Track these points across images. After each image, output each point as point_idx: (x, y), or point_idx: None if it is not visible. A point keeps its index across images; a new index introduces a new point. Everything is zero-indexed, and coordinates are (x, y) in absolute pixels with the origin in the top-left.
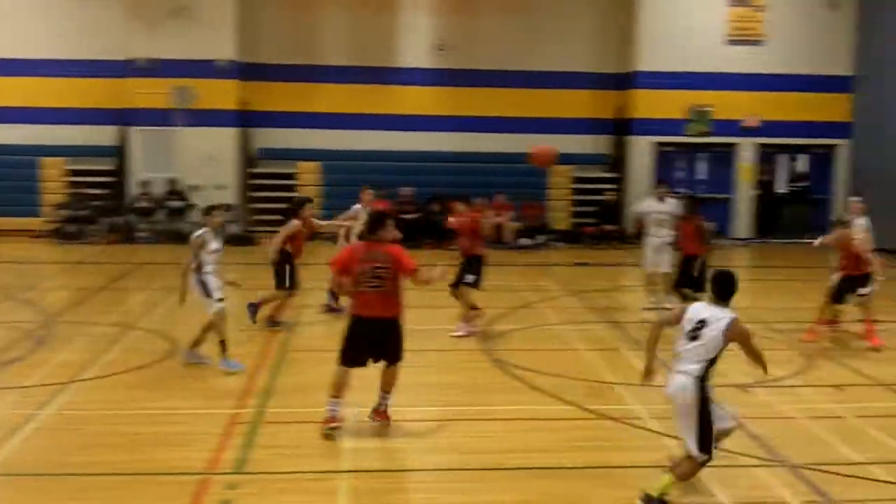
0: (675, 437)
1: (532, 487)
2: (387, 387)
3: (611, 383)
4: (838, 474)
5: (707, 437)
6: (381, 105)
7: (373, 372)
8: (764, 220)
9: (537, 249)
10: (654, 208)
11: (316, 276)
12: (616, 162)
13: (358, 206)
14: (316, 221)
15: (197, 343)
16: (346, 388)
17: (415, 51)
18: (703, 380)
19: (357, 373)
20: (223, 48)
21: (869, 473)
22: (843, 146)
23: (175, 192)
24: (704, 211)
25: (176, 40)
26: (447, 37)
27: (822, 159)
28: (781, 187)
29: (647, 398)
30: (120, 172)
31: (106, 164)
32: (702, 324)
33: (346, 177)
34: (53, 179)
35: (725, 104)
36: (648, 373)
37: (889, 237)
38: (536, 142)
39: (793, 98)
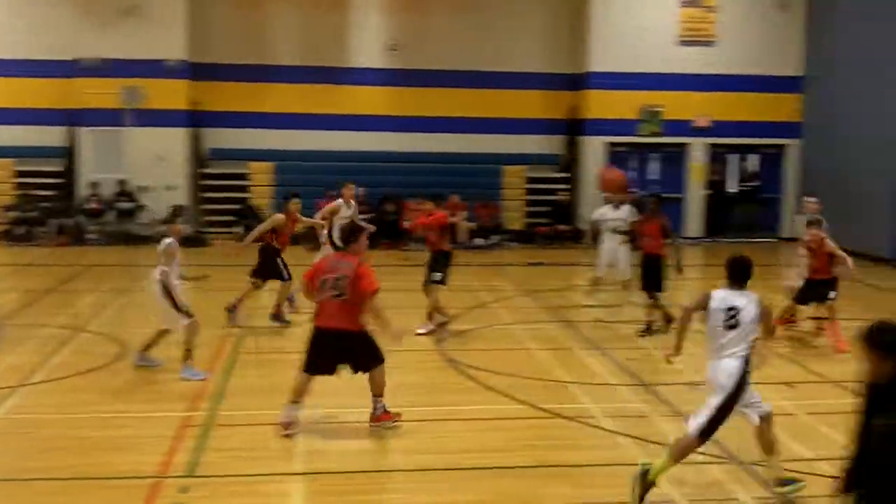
0: (628, 436)
1: (487, 487)
2: (375, 390)
3: (564, 382)
4: (790, 471)
5: (714, 426)
6: (333, 105)
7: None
8: (715, 220)
9: (491, 249)
10: (610, 216)
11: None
12: (569, 162)
13: (339, 200)
14: (301, 217)
15: (148, 346)
16: (306, 394)
17: (367, 50)
18: (747, 362)
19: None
20: (173, 48)
21: (819, 470)
22: (793, 146)
23: (125, 193)
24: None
25: (125, 40)
26: (399, 36)
27: (773, 159)
28: (732, 187)
29: (600, 397)
30: (69, 173)
31: (55, 165)
32: (735, 310)
33: (298, 177)
34: (1, 181)
35: (677, 104)
36: (677, 351)
37: (840, 237)
38: (489, 142)
39: (743, 98)
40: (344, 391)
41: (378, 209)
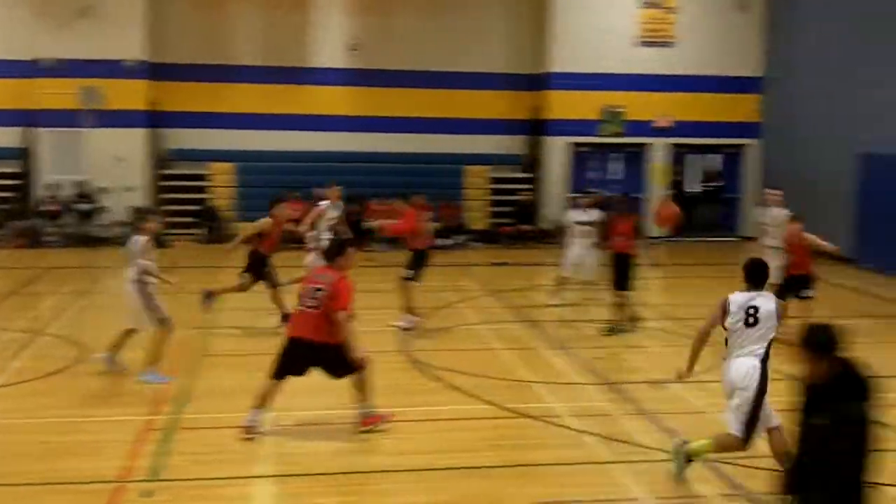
0: (594, 434)
1: (454, 488)
2: (356, 396)
3: (529, 382)
4: (753, 468)
5: (753, 423)
6: (294, 105)
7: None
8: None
9: (455, 250)
10: (578, 218)
11: (230, 279)
12: (531, 162)
13: (326, 202)
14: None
15: (115, 348)
16: (270, 399)
17: (328, 50)
18: (766, 361)
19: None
20: (131, 48)
21: (775, 466)
22: (753, 146)
23: (83, 194)
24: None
25: (83, 40)
26: (361, 36)
27: (734, 159)
28: (694, 187)
29: (565, 396)
30: (26, 175)
31: (12, 167)
32: (755, 310)
33: (259, 178)
34: None
35: (638, 105)
36: (690, 371)
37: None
38: (451, 142)
39: (704, 99)
40: (311, 393)
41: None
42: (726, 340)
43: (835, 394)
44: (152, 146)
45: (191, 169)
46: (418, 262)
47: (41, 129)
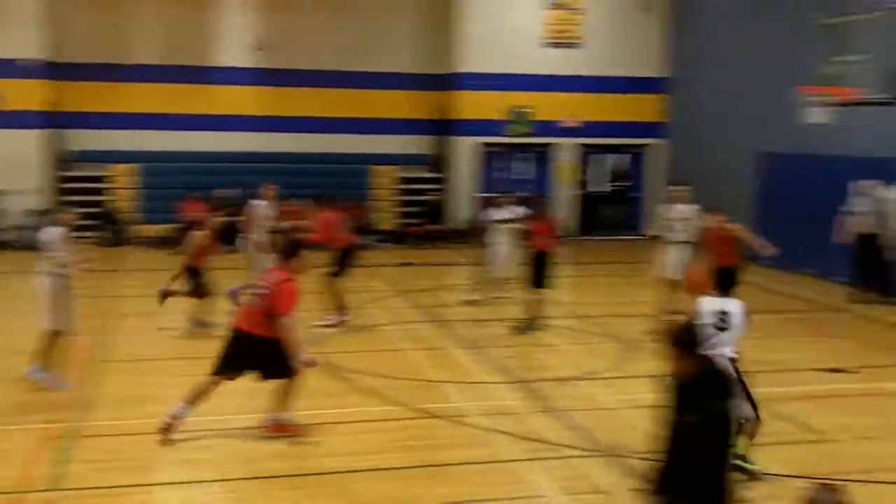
0: (503, 433)
1: (363, 490)
2: (276, 402)
3: (438, 382)
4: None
5: (754, 402)
6: (200, 105)
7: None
8: (585, 218)
9: (363, 250)
10: (498, 216)
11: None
12: (439, 162)
13: (262, 202)
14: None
15: (43, 356)
16: (203, 398)
17: (233, 49)
18: (736, 360)
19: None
20: (29, 47)
21: None
22: (658, 146)
23: None
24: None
25: None
26: (266, 36)
27: (640, 159)
28: (601, 186)
29: (474, 395)
30: None
31: None
32: (725, 314)
33: (164, 179)
34: None
35: (545, 105)
36: None
37: None
38: (359, 142)
39: (610, 99)
40: (216, 397)
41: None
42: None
43: (702, 392)
44: (53, 147)
45: (92, 171)
46: (340, 260)
47: None
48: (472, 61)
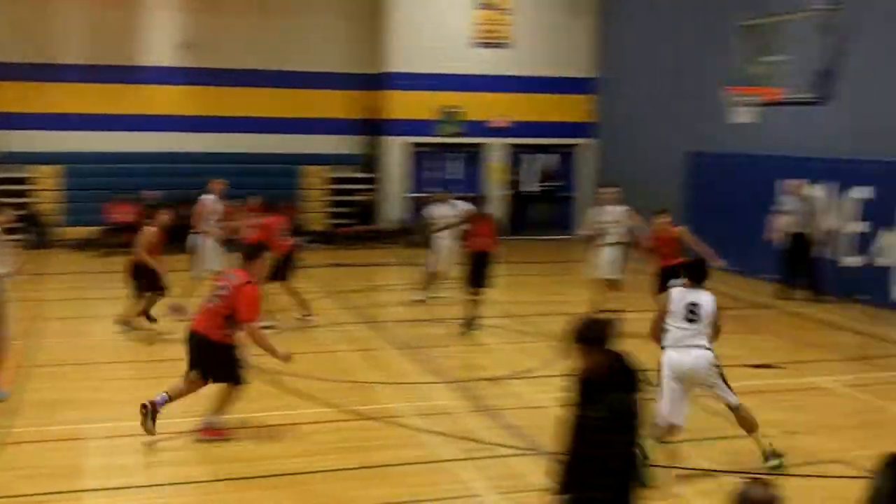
0: (437, 433)
1: (298, 493)
2: (215, 405)
3: (372, 383)
4: None
5: (731, 389)
6: (126, 105)
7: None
8: (515, 218)
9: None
10: (443, 213)
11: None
12: (370, 162)
13: (210, 196)
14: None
15: None
16: (182, 395)
17: (160, 49)
18: (711, 349)
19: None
20: None
21: None
22: (587, 146)
23: None
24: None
25: None
26: (194, 35)
27: (569, 159)
28: (531, 186)
29: (408, 396)
30: None
31: None
32: (695, 306)
33: (90, 180)
34: None
35: (475, 105)
36: None
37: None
38: (289, 142)
39: (539, 99)
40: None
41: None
42: (667, 333)
43: (608, 387)
44: None
45: (15, 172)
46: (283, 262)
47: None
48: (403, 61)
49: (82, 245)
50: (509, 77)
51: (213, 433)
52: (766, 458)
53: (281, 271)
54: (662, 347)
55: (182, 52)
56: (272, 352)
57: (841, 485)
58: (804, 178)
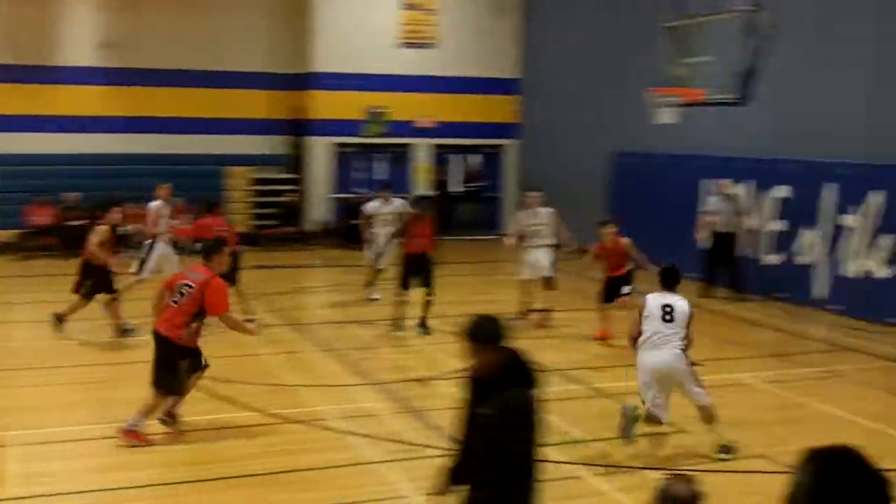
0: (365, 436)
1: (222, 499)
2: (146, 408)
3: (296, 386)
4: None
5: (703, 386)
6: (46, 106)
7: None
8: (441, 219)
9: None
10: (382, 210)
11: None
12: (295, 163)
13: (157, 202)
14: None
15: None
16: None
17: (81, 48)
18: (685, 350)
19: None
20: None
21: (543, 455)
22: (512, 146)
23: None
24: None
25: None
26: (115, 34)
27: (494, 159)
28: (456, 186)
29: (333, 398)
30: None
31: None
32: (670, 308)
33: (8, 183)
34: None
35: (401, 105)
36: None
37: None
38: (213, 142)
39: (464, 100)
40: (64, 408)
41: (92, 214)
42: (642, 336)
43: (501, 384)
44: None
45: None
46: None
47: None
48: (328, 61)
49: (1, 248)
50: (434, 77)
51: (134, 437)
52: (719, 450)
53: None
54: (637, 349)
55: (103, 51)
56: (245, 330)
57: (762, 480)
58: (726, 177)
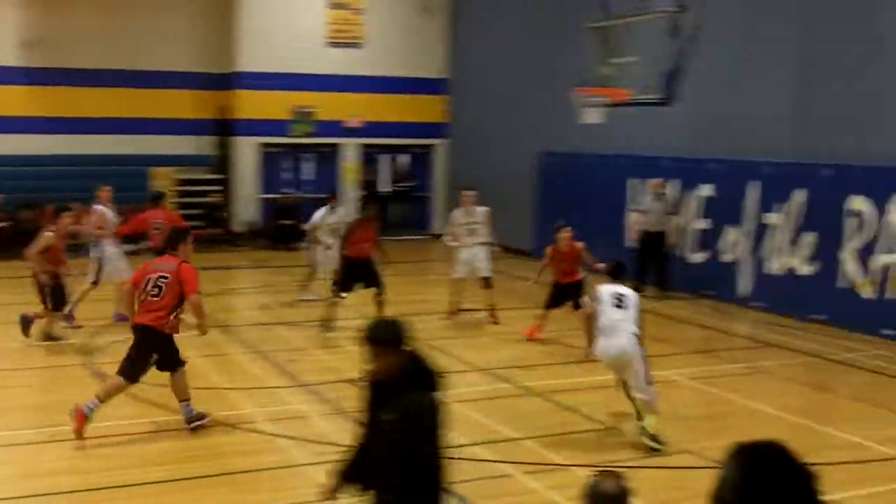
0: (290, 438)
1: (152, 502)
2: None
3: (223, 389)
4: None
5: (648, 372)
6: None
7: None
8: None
9: (139, 255)
10: (328, 219)
11: None
12: (221, 163)
13: (100, 205)
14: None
15: None
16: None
17: (2, 47)
18: (639, 336)
19: None
20: None
21: (473, 454)
22: (441, 146)
23: None
24: (312, 211)
25: None
26: (37, 33)
27: (423, 159)
28: (385, 186)
29: (259, 401)
30: None
31: None
32: (622, 296)
33: None
34: None
35: (328, 105)
36: (590, 344)
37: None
38: (137, 142)
39: (393, 100)
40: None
41: (15, 216)
42: (597, 325)
43: (402, 388)
44: None
45: None
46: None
47: None
48: (254, 60)
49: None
50: (363, 77)
51: (80, 421)
52: (651, 438)
53: None
54: (594, 337)
55: (25, 51)
56: (203, 322)
57: (690, 475)
58: (652, 177)
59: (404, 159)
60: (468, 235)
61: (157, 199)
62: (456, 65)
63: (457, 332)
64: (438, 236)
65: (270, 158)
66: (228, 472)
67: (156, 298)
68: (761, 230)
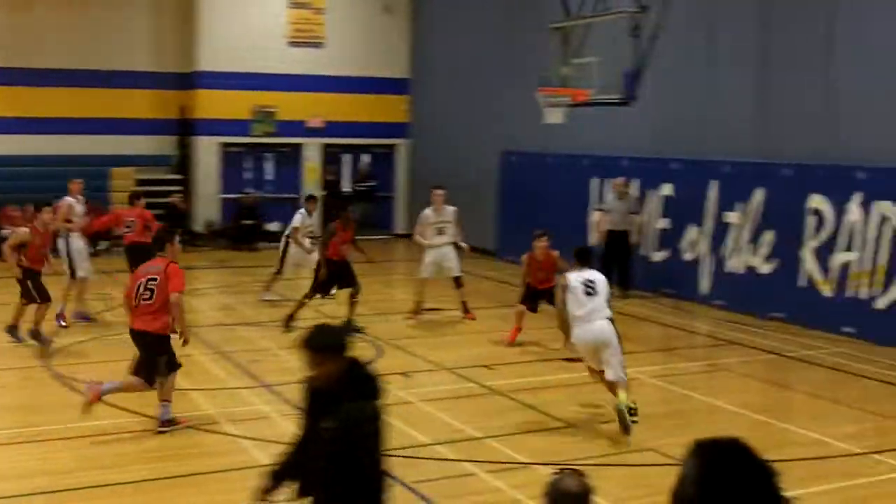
0: (251, 438)
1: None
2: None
3: (185, 389)
4: (410, 457)
5: (622, 362)
6: None
7: None
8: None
9: (99, 256)
10: (306, 222)
11: None
12: (182, 163)
13: (68, 198)
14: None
15: None
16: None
17: None
18: (612, 320)
19: None
20: None
21: (437, 453)
22: (402, 146)
23: None
24: (274, 211)
25: None
26: None
27: (385, 159)
28: (348, 186)
29: (222, 402)
30: None
31: None
32: (591, 282)
33: None
34: None
35: (290, 105)
36: (568, 340)
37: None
38: (97, 143)
39: (354, 99)
40: None
41: None
42: (571, 314)
43: (342, 396)
44: None
45: None
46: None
47: None
48: (214, 60)
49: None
50: (324, 77)
51: (95, 395)
52: (629, 411)
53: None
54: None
55: None
56: (184, 326)
57: (651, 473)
58: (613, 176)
59: (366, 159)
60: (438, 235)
61: (135, 198)
62: (417, 64)
63: (421, 332)
64: (401, 236)
65: (232, 158)
66: (190, 473)
67: (148, 301)
68: (721, 229)
